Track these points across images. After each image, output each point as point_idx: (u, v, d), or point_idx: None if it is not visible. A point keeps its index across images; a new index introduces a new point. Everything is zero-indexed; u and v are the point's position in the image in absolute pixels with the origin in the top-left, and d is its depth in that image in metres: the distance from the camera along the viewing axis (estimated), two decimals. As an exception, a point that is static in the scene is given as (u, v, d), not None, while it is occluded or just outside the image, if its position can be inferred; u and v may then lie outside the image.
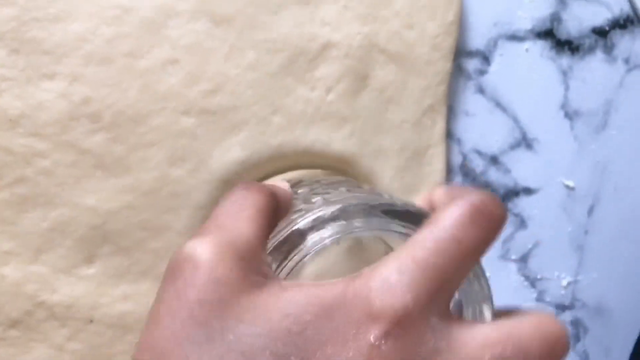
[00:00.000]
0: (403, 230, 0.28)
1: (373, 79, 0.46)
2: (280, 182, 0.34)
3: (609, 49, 0.51)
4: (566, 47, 0.50)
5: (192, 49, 0.43)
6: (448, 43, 0.47)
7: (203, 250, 0.24)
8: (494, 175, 0.50)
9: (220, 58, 0.43)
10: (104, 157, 0.42)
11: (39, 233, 0.42)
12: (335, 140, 0.45)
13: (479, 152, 0.50)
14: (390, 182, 0.46)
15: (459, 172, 0.50)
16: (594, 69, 0.51)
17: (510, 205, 0.51)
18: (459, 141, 0.49)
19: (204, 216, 0.44)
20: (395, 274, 0.23)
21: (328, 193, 0.33)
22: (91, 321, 0.43)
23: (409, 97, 0.46)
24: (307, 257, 0.28)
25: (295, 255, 0.28)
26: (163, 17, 0.42)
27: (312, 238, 0.28)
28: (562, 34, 0.50)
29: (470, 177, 0.50)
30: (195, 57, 0.43)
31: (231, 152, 0.44)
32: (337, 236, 0.28)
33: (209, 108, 0.43)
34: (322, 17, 0.45)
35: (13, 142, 0.41)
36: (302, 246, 0.28)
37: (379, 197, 0.31)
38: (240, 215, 0.26)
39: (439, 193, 0.30)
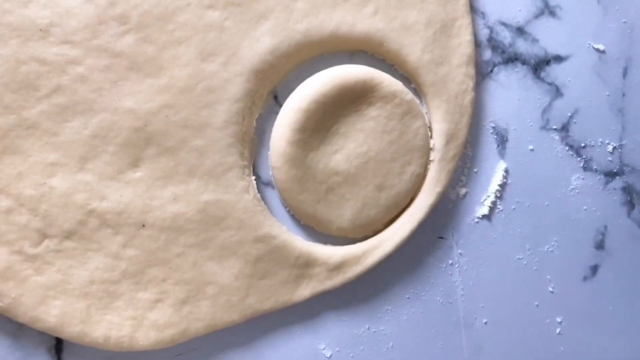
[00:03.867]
0: None
1: (389, -44, 0.46)
2: None
3: None
4: None
5: (209, -58, 0.43)
6: None
7: None
8: (522, 46, 0.50)
9: (237, -51, 0.43)
10: (137, 58, 0.42)
11: (82, 141, 0.41)
12: (360, 19, 0.45)
13: (504, 24, 0.49)
14: (421, 55, 0.46)
15: (487, 45, 0.49)
16: None
17: (542, 74, 0.50)
18: (483, 15, 0.49)
19: (239, 109, 0.43)
20: None
21: None
22: (144, 225, 0.42)
23: (428, -29, 0.46)
24: None
25: None
26: None
27: None
28: None
29: (499, 49, 0.49)
30: (212, -49, 0.43)
31: (260, 41, 0.44)
32: None
33: (233, 0, 0.43)
34: None
35: (46, 51, 0.41)
36: None
37: None
38: None
39: None
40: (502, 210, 0.49)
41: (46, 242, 0.41)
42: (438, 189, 0.47)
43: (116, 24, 0.41)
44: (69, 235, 0.41)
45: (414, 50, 0.46)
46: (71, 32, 0.41)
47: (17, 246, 0.41)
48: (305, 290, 0.45)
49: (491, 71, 0.49)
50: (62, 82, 0.41)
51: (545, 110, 0.50)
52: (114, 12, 0.41)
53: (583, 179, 0.51)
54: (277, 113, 0.46)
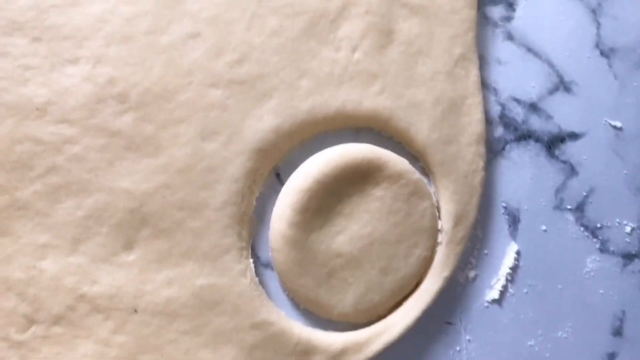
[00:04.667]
0: None
1: (398, 33, 0.45)
2: None
3: (636, -19, 0.49)
4: (591, -15, 0.49)
5: (213, 21, 0.42)
6: (470, -10, 0.46)
7: None
8: (536, 123, 0.48)
9: (243, 27, 0.42)
10: (135, 138, 0.41)
11: (75, 222, 0.40)
12: (366, 97, 0.44)
13: (517, 100, 0.48)
14: (429, 134, 0.44)
15: (499, 122, 0.47)
16: (625, 4, 0.49)
17: (557, 152, 0.48)
18: (495, 91, 0.47)
19: (239, 189, 0.42)
20: None
21: None
22: (135, 311, 0.40)
23: (438, 48, 0.45)
24: None
25: None
26: (180, -7, 0.42)
27: None
28: (585, -28, 0.49)
29: (511, 126, 0.48)
30: (217, 29, 0.42)
31: (263, 120, 0.42)
32: None
33: (237, 78, 0.42)
34: (339, -22, 0.44)
35: (42, 130, 0.40)
36: None
37: None
38: None
39: None
40: (513, 294, 0.47)
41: (33, 328, 0.39)
42: (445, 273, 0.45)
43: (115, 102, 0.40)
44: (57, 320, 0.40)
45: (421, 128, 0.44)
46: (68, 111, 0.40)
47: (2, 332, 0.39)
48: (303, 380, 0.43)
49: (503, 149, 0.47)
50: (57, 161, 0.40)
51: (559, 189, 0.48)
52: (113, 91, 0.40)
53: (599, 261, 0.48)
54: (279, 191, 0.44)
